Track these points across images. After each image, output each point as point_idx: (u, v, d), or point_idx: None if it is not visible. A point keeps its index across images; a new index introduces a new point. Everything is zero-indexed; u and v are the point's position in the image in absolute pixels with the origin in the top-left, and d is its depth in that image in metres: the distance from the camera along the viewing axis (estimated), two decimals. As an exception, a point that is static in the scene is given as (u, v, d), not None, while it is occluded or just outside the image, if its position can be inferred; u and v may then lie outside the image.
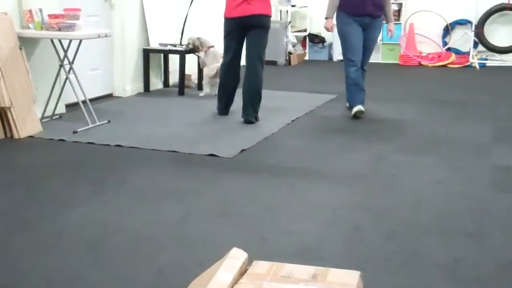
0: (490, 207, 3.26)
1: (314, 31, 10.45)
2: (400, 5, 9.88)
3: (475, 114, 5.75)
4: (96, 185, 3.57)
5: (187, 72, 6.83)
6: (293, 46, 9.88)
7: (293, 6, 10.17)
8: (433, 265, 2.54)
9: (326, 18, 5.63)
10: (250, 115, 5.26)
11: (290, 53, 9.65)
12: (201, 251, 2.68)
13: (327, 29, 5.64)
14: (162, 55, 6.97)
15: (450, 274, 2.47)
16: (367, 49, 5.62)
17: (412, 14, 9.87)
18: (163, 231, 2.90)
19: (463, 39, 9.75)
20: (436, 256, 2.64)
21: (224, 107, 5.59)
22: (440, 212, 3.18)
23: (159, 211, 3.17)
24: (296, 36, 10.13)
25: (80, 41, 5.00)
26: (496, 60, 9.60)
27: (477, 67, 9.29)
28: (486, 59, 9.61)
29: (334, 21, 5.61)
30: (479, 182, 3.70)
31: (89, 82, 5.85)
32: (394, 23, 10.20)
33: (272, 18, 10.29)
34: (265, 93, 6.52)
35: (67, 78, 5.04)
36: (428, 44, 9.92)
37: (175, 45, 6.70)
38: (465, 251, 2.70)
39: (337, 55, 10.19)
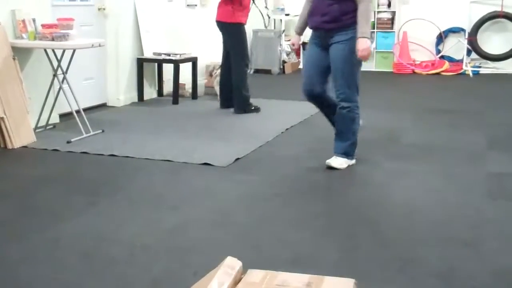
0: (485, 215, 3.26)
1: (308, 39, 10.46)
2: (393, 13, 9.92)
3: (469, 122, 5.77)
4: (91, 195, 3.56)
5: (181, 81, 6.83)
6: (287, 54, 9.90)
7: (287, 15, 10.20)
8: (429, 274, 2.54)
9: None
10: (235, 109, 6.12)
11: (284, 61, 9.67)
12: (196, 260, 2.66)
13: (291, 47, 4.65)
14: (156, 64, 6.97)
15: (446, 283, 2.46)
16: (333, 76, 4.11)
17: (406, 22, 9.92)
18: (158, 241, 2.88)
19: (456, 47, 9.80)
20: (432, 264, 2.63)
21: (222, 100, 6.31)
22: (435, 220, 3.18)
23: (154, 221, 3.15)
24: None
25: (74, 50, 4.99)
26: (489, 68, 9.64)
27: (471, 74, 9.33)
28: (479, 67, 9.65)
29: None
30: (474, 190, 3.70)
31: (82, 91, 5.83)
32: (387, 31, 10.31)
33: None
34: (259, 101, 6.55)
35: (60, 87, 5.03)
36: (422, 52, 9.96)
37: (169, 54, 6.70)
38: (461, 259, 2.69)
39: (331, 63, 10.21)
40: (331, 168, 4.08)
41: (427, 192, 3.65)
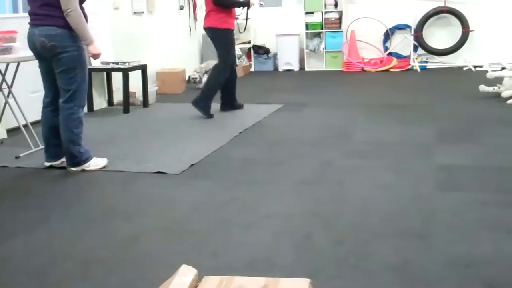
0: (436, 207, 3.33)
1: (258, 42, 10.53)
2: (341, 13, 10.06)
3: (418, 116, 5.89)
4: (41, 211, 3.48)
5: (131, 89, 6.76)
6: (238, 58, 9.92)
7: (236, 18, 10.21)
8: (383, 268, 2.58)
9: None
10: (196, 100, 6.21)
11: (235, 65, 9.68)
12: (152, 271, 2.63)
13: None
14: (105, 73, 6.88)
15: (400, 276, 2.50)
16: None
17: (353, 21, 10.07)
18: (112, 254, 2.84)
19: (403, 43, 10.00)
20: (386, 258, 2.67)
21: (222, 104, 6.55)
22: (388, 214, 3.23)
23: (108, 233, 3.10)
24: (241, 48, 10.17)
25: (18, 63, 4.88)
26: (436, 62, 9.87)
27: (418, 70, 9.54)
28: (426, 62, 9.87)
29: None
30: (424, 182, 3.78)
31: (30, 105, 5.69)
32: (335, 31, 10.43)
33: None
34: (212, 106, 6.54)
35: (6, 102, 4.91)
36: (370, 50, 10.14)
37: (117, 63, 6.62)
38: (414, 251, 2.74)
39: (282, 65, 10.30)
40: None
41: (379, 187, 3.70)
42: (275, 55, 10.39)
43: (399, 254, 2.71)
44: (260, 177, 4.03)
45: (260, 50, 10.41)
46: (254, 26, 10.54)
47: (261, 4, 10.52)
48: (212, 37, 6.25)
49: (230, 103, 6.51)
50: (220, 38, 6.19)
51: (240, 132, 5.39)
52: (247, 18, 6.69)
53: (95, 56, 4.27)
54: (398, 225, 3.07)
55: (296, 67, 10.30)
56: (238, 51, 9.89)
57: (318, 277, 2.46)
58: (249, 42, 10.47)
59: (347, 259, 2.68)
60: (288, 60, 10.27)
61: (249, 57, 10.47)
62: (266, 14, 10.54)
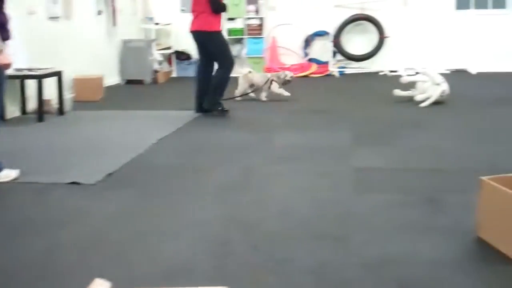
0: (353, 209, 3.39)
1: (180, 48, 10.45)
2: (261, 19, 10.15)
3: (336, 121, 6.02)
4: None
5: (47, 96, 6.53)
6: (159, 64, 9.81)
7: (156, 24, 10.12)
8: (301, 271, 2.59)
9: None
10: (206, 104, 6.47)
11: (156, 71, 9.57)
12: (66, 286, 2.53)
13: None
14: (18, 80, 6.61)
15: (317, 278, 2.52)
16: None
17: (274, 27, 10.18)
18: (23, 269, 2.71)
19: (322, 49, 10.21)
20: (303, 262, 2.69)
21: (198, 105, 6.59)
22: (307, 218, 3.26)
23: (18, 248, 2.96)
24: (163, 54, 10.07)
25: None
26: (353, 68, 10.13)
27: (337, 75, 9.76)
28: (344, 67, 10.12)
29: None
30: (342, 185, 3.85)
31: None
32: (256, 37, 10.52)
33: (136, 37, 10.17)
34: (130, 113, 6.41)
35: None
36: (290, 56, 10.29)
37: (31, 69, 6.38)
38: (331, 254, 2.77)
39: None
40: None
41: (299, 192, 3.73)
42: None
43: (316, 257, 2.74)
44: (179, 185, 3.97)
45: (182, 56, 10.34)
46: (175, 31, 10.45)
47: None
48: (203, 40, 6.36)
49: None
50: (213, 40, 6.31)
51: (160, 139, 5.31)
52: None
53: (5, 66, 4.07)
54: (315, 229, 3.10)
55: (218, 73, 10.29)
56: (159, 57, 9.78)
57: (235, 284, 2.44)
58: (169, 48, 10.38)
59: (264, 264, 2.67)
60: (210, 66, 10.23)
61: (170, 63, 10.37)
62: (188, 19, 10.47)
